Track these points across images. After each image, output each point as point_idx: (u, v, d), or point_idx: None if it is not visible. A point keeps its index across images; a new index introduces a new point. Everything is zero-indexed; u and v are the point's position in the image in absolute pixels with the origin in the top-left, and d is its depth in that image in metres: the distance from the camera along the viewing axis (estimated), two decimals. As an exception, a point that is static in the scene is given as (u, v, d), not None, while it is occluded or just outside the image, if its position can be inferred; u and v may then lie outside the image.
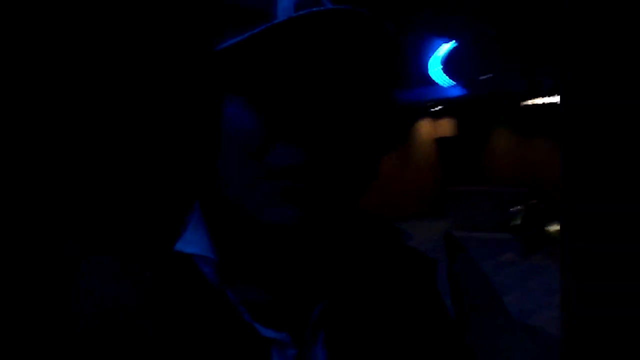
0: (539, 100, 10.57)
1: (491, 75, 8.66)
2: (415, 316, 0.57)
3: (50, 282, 0.49)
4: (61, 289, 0.49)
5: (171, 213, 0.53)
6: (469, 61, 8.29)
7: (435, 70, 8.79)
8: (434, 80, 9.16)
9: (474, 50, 7.70)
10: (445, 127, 12.81)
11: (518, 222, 7.99)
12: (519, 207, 8.21)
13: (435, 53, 8.14)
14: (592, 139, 0.49)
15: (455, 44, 7.69)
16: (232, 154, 0.47)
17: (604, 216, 0.49)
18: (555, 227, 7.55)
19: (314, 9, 0.42)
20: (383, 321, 0.55)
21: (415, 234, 0.63)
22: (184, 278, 0.50)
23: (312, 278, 0.54)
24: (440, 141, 12.66)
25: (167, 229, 0.52)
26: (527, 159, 11.79)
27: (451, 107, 11.67)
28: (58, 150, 0.85)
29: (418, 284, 0.59)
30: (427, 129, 12.38)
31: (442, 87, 9.60)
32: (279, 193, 0.46)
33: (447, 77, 9.14)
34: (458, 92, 9.87)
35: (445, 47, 7.93)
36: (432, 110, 11.86)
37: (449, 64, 8.49)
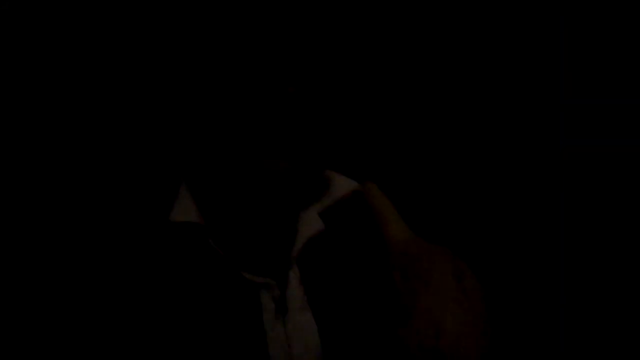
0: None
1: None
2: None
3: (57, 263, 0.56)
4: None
5: (161, 191, 0.61)
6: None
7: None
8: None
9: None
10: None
11: None
12: None
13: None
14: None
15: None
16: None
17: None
18: None
19: None
20: (351, 256, 0.63)
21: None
22: (178, 244, 0.58)
23: (287, 223, 0.61)
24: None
25: (159, 204, 0.60)
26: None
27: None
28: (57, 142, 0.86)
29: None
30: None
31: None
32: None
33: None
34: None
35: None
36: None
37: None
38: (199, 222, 0.58)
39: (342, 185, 0.64)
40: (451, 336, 0.47)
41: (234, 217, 0.59)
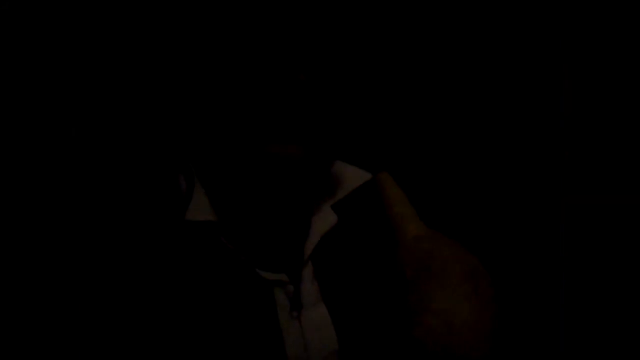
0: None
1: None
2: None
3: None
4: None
5: (174, 190, 0.60)
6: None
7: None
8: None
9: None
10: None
11: None
12: None
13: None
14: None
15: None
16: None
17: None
18: None
19: None
20: (365, 252, 0.63)
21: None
22: (191, 242, 0.57)
23: (301, 220, 0.61)
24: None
25: (172, 203, 0.59)
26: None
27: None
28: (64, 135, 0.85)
29: None
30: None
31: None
32: None
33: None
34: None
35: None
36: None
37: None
38: (213, 219, 0.57)
39: (355, 176, 0.63)
40: (464, 335, 0.47)
41: (246, 212, 0.59)
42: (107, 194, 0.59)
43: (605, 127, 1.09)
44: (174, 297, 0.55)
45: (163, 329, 0.54)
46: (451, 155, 1.05)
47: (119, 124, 0.84)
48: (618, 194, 1.10)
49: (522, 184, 1.10)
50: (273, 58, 0.53)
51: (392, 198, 0.53)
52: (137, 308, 0.54)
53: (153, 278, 0.55)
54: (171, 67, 0.61)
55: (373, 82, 1.00)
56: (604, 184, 1.10)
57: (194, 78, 0.57)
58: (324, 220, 0.61)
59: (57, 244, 0.56)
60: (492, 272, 0.56)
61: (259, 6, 0.54)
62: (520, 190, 1.10)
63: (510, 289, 0.99)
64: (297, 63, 0.54)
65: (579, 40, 1.07)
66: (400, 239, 0.52)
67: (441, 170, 1.04)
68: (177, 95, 0.61)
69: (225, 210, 0.58)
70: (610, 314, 1.10)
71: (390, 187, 0.54)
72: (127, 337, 0.53)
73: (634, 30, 1.06)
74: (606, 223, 1.10)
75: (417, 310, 0.48)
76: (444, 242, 0.51)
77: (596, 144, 1.10)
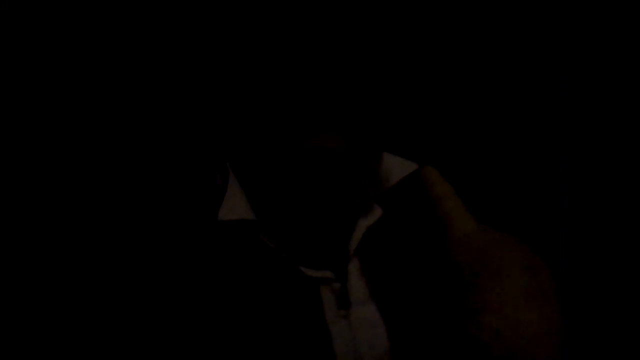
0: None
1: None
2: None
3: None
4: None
5: (206, 186, 0.58)
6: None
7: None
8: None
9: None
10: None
11: None
12: None
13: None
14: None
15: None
16: None
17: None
18: None
19: None
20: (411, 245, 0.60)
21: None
22: (229, 243, 0.55)
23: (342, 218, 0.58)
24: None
25: (205, 201, 0.57)
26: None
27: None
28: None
29: None
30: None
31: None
32: None
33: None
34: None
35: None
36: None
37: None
38: (250, 218, 0.55)
39: (400, 167, 0.60)
40: (526, 333, 0.45)
41: (286, 208, 0.56)
42: (141, 193, 0.57)
43: (605, 126, 1.11)
44: (217, 301, 0.53)
45: (210, 332, 0.52)
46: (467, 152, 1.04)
47: (153, 121, 0.82)
48: (618, 194, 1.11)
49: (522, 184, 1.10)
50: (311, 49, 0.52)
51: (440, 193, 0.51)
52: (181, 315, 0.52)
53: (194, 283, 0.53)
54: (204, 63, 0.60)
55: (412, 74, 0.99)
56: (603, 184, 1.11)
57: (228, 71, 0.55)
58: (369, 213, 0.58)
59: (90, 240, 0.55)
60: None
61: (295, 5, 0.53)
62: (520, 190, 1.10)
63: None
64: (336, 55, 0.52)
65: (579, 40, 1.08)
66: (452, 235, 0.50)
67: (478, 165, 1.03)
68: (212, 90, 0.59)
69: (264, 207, 0.56)
70: (610, 314, 1.11)
71: (438, 181, 0.52)
72: (165, 339, 0.51)
73: (634, 30, 1.08)
74: (606, 223, 1.11)
75: (477, 309, 0.46)
76: (498, 237, 0.49)
77: (596, 144, 1.11)
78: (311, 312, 0.54)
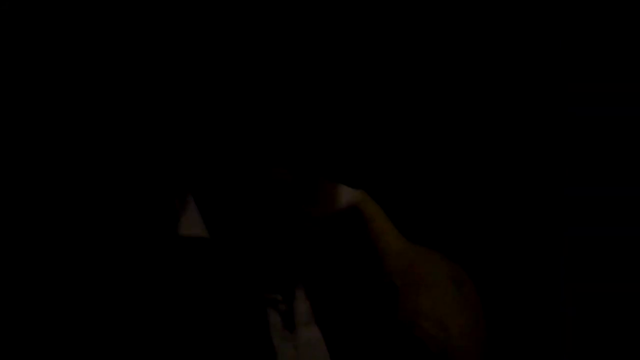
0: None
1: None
2: None
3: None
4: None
5: (166, 204, 0.61)
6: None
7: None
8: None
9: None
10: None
11: None
12: None
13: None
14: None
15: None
16: None
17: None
18: None
19: None
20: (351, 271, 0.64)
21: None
22: (184, 257, 0.58)
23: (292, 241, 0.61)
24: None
25: (164, 218, 0.59)
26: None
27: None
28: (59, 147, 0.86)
29: None
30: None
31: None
32: None
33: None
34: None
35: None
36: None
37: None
38: (204, 235, 0.59)
39: (342, 193, 0.63)
40: (457, 331, 0.52)
41: (238, 229, 0.60)
42: (102, 201, 0.60)
43: (605, 126, 1.09)
44: (163, 313, 0.55)
45: (154, 347, 0.54)
46: (446, 157, 1.05)
47: (117, 129, 0.85)
48: (618, 193, 1.09)
49: (521, 184, 1.10)
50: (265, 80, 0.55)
51: (370, 214, 0.57)
52: (130, 326, 0.54)
53: (143, 294, 0.56)
54: (173, 77, 0.63)
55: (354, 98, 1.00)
56: (604, 183, 1.10)
57: (195, 90, 0.59)
58: (314, 238, 0.61)
59: (54, 247, 0.57)
60: (484, 276, 0.59)
61: (242, 19, 0.55)
62: (520, 190, 1.10)
63: (507, 292, 1.00)
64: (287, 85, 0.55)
65: (579, 39, 1.07)
66: (384, 252, 0.54)
67: (426, 180, 1.04)
68: (178, 106, 0.62)
69: (219, 228, 0.59)
70: (610, 314, 1.10)
71: (368, 204, 0.56)
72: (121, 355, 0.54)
73: (634, 30, 1.05)
74: (606, 222, 1.10)
75: (411, 316, 0.53)
76: (424, 252, 0.54)
77: (596, 142, 1.09)
78: (258, 333, 0.58)
